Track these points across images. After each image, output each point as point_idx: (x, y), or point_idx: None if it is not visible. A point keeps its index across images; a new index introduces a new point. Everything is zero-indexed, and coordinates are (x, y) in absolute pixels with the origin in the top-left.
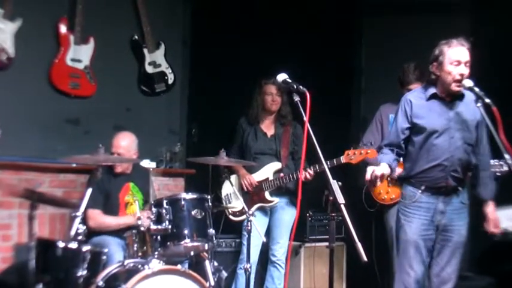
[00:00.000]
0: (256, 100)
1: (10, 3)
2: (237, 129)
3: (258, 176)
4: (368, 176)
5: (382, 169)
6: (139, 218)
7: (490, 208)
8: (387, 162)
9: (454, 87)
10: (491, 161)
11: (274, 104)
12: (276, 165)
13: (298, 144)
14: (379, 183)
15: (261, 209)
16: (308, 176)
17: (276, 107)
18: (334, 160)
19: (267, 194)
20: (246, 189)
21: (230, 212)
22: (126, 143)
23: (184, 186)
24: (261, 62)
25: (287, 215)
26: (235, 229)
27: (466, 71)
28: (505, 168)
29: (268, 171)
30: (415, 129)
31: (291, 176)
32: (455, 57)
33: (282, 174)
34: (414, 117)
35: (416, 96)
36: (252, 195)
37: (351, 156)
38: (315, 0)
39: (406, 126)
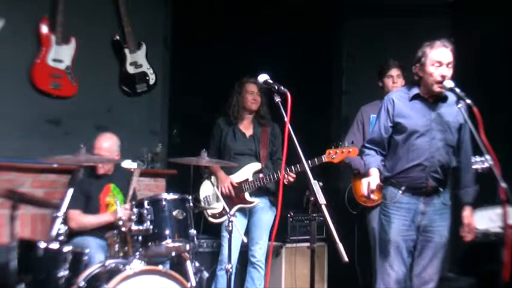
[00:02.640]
0: (236, 98)
1: None
2: (215, 129)
3: (237, 177)
4: (365, 191)
5: (376, 180)
6: (120, 218)
7: (466, 213)
8: (376, 166)
9: (436, 88)
10: (473, 158)
11: (254, 103)
12: (256, 165)
13: (277, 145)
14: (375, 197)
15: (240, 210)
16: (291, 179)
17: (256, 106)
18: (316, 159)
19: (247, 195)
20: (224, 195)
21: (209, 213)
22: (108, 144)
23: (165, 186)
24: (242, 62)
25: (266, 216)
26: (215, 230)
27: (447, 72)
28: (486, 165)
29: (247, 172)
30: (396, 128)
31: (271, 177)
32: (437, 58)
33: (261, 175)
34: (396, 117)
35: (399, 96)
36: (232, 196)
37: (332, 155)
38: (296, 1)
39: (389, 125)
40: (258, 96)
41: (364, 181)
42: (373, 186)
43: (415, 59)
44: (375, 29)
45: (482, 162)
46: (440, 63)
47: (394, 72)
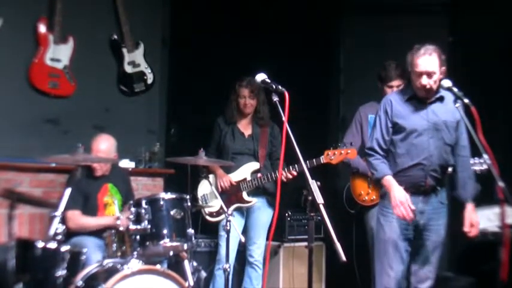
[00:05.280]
0: (231, 102)
1: None
2: (215, 128)
3: (235, 176)
4: (408, 214)
5: (404, 193)
6: (118, 218)
7: (467, 209)
8: (390, 172)
9: (418, 93)
10: (471, 160)
11: (247, 106)
12: (254, 165)
13: (276, 145)
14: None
15: (237, 209)
16: (289, 176)
17: (249, 110)
18: (314, 160)
19: (244, 195)
20: (223, 190)
21: (207, 212)
22: (105, 146)
23: (163, 186)
24: (240, 62)
25: (264, 216)
26: (213, 229)
27: (426, 81)
28: (485, 166)
29: (245, 171)
30: (395, 128)
31: (269, 176)
32: (417, 68)
33: (259, 175)
34: (394, 117)
35: (396, 97)
36: (230, 195)
37: (330, 156)
38: (294, 0)
39: (389, 126)
40: (251, 100)
41: (397, 202)
42: (412, 206)
43: (406, 62)
44: (373, 28)
45: (480, 164)
46: (420, 74)
47: (396, 83)
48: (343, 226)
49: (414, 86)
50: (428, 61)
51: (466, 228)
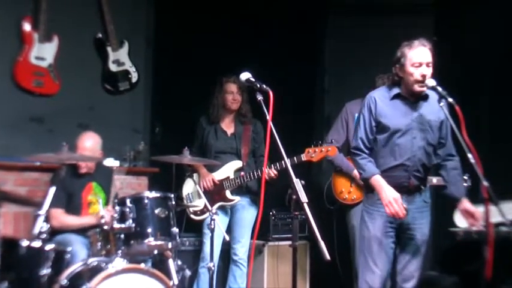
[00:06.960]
0: (217, 98)
1: None
2: (198, 128)
3: (218, 175)
4: (401, 212)
5: (395, 193)
6: (102, 217)
7: (467, 203)
8: (378, 172)
9: (417, 88)
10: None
11: (234, 102)
12: (237, 163)
13: (259, 142)
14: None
15: (221, 208)
16: (272, 175)
17: (236, 106)
18: (295, 158)
19: (228, 193)
20: (206, 190)
21: (191, 211)
22: (90, 144)
23: (148, 184)
24: (224, 61)
25: (248, 214)
26: (197, 228)
27: (427, 71)
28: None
29: (229, 170)
30: (378, 127)
31: (252, 175)
32: (416, 59)
33: (242, 173)
34: (378, 116)
35: (380, 95)
36: (213, 194)
37: (311, 154)
38: (280, 0)
39: (373, 125)
40: (238, 96)
41: (389, 200)
42: (403, 204)
43: (395, 60)
44: (358, 28)
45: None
46: (420, 64)
47: None
48: (324, 224)
49: (409, 81)
50: (425, 51)
51: (471, 220)
